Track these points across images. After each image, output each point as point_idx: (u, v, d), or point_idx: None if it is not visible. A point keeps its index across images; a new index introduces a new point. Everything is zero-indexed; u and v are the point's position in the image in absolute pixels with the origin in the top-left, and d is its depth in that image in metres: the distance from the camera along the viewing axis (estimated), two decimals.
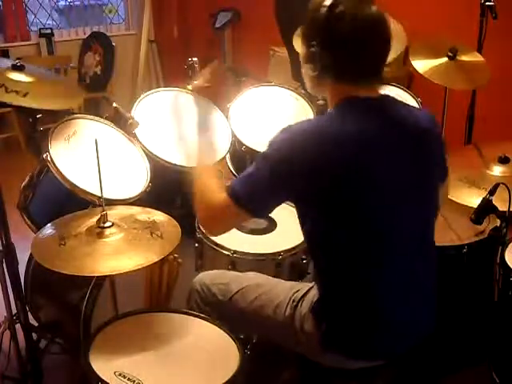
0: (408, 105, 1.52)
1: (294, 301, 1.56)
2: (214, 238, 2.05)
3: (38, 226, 1.95)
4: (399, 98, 1.46)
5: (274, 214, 2.17)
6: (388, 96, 1.45)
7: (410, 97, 2.62)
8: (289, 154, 1.34)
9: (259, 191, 1.39)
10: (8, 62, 1.94)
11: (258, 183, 1.38)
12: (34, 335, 2.06)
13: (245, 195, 1.39)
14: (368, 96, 1.40)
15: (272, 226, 2.17)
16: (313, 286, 1.57)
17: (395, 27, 3.03)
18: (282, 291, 1.61)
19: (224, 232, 1.54)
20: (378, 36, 1.35)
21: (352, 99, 1.39)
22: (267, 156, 1.38)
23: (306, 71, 1.44)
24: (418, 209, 1.44)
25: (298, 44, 1.50)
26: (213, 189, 1.46)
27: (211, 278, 1.75)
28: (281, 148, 1.36)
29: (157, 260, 1.55)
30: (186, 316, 1.66)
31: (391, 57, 1.42)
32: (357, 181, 1.34)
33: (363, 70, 1.38)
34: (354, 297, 1.43)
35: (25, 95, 1.80)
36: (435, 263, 1.53)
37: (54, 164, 1.94)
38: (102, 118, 2.22)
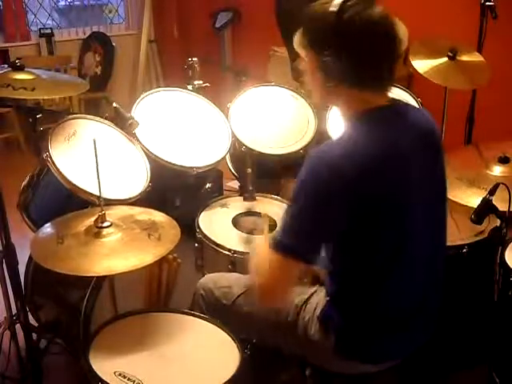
0: (413, 106, 1.50)
1: (296, 306, 1.55)
2: (213, 238, 2.04)
3: (38, 225, 1.94)
4: (399, 98, 1.46)
5: (273, 214, 2.18)
6: (398, 100, 1.43)
7: (410, 97, 2.62)
8: (326, 177, 1.27)
9: (303, 228, 1.31)
10: (6, 66, 2.03)
11: (300, 220, 1.31)
12: (34, 335, 2.06)
13: (290, 240, 1.31)
14: (384, 104, 1.38)
15: (272, 226, 2.16)
16: (315, 291, 1.56)
17: (401, 27, 3.05)
18: None
19: (286, 293, 1.42)
20: (389, 36, 1.32)
21: (371, 111, 1.36)
22: (301, 187, 1.31)
23: (316, 81, 1.38)
24: (433, 215, 1.44)
25: (297, 45, 1.48)
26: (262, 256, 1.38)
27: (214, 281, 1.74)
28: (312, 177, 1.30)
29: (151, 262, 1.55)
30: (185, 316, 1.66)
31: None
32: (397, 186, 1.33)
33: (381, 73, 1.34)
34: (370, 299, 1.42)
35: (33, 90, 1.87)
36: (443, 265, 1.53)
37: (53, 164, 1.94)
38: (102, 117, 2.22)
